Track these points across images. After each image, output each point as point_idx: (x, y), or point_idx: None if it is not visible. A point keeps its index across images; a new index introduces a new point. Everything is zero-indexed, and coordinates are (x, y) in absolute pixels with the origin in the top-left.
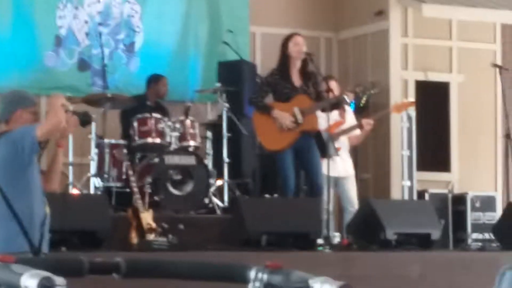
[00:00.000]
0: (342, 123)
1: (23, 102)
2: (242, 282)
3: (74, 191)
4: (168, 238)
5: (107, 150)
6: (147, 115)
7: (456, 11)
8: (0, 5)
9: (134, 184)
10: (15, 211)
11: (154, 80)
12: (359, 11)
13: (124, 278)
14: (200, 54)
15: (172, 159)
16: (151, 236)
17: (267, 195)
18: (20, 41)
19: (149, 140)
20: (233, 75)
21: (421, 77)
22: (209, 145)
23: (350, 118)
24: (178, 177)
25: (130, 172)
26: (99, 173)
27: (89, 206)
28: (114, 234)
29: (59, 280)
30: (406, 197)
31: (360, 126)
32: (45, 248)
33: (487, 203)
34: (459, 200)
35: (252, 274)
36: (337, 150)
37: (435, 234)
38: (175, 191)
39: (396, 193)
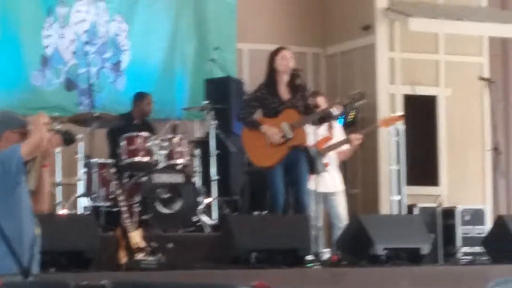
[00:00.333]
0: (330, 138)
1: (11, 123)
2: None
3: (62, 211)
4: (157, 257)
5: (95, 170)
6: (135, 133)
7: (442, 24)
8: None
9: (122, 203)
10: (4, 231)
11: (139, 98)
12: (346, 26)
13: None
14: (187, 71)
15: (160, 178)
16: (140, 256)
17: (256, 212)
18: (6, 61)
19: (137, 159)
20: (220, 92)
21: (408, 91)
22: (197, 163)
23: (338, 133)
24: (166, 195)
25: (119, 191)
26: (88, 193)
27: (77, 226)
28: (102, 254)
29: None
30: (395, 211)
31: (348, 141)
32: (35, 269)
33: (477, 217)
34: (449, 214)
35: None
36: (325, 165)
37: (425, 249)
38: (163, 210)
39: (385, 208)
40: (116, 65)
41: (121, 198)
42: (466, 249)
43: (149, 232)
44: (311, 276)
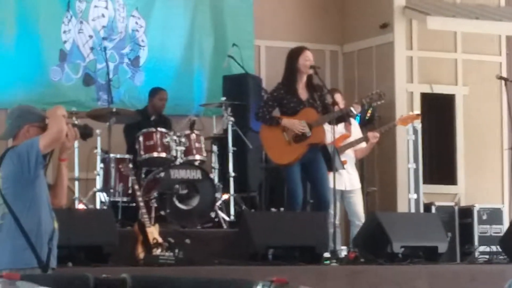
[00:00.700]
0: (347, 136)
1: (30, 117)
2: None
3: (80, 206)
4: (174, 253)
5: (112, 165)
6: (153, 129)
7: (460, 23)
8: (5, 19)
9: (140, 199)
10: (22, 226)
11: (152, 93)
12: (364, 24)
13: None
14: (205, 68)
15: (178, 174)
16: (157, 251)
17: (273, 209)
18: (25, 56)
19: (155, 154)
20: (238, 89)
21: (426, 89)
22: (214, 159)
23: (356, 131)
24: (184, 191)
25: (136, 187)
26: (105, 188)
27: (95, 221)
28: (120, 249)
29: None
30: (413, 210)
31: (366, 139)
32: (53, 263)
33: (494, 216)
34: (466, 212)
35: None
36: (343, 163)
37: (442, 247)
38: (181, 206)
39: (402, 206)
40: (134, 60)
41: (138, 193)
42: (483, 248)
43: (167, 228)
44: (328, 273)
